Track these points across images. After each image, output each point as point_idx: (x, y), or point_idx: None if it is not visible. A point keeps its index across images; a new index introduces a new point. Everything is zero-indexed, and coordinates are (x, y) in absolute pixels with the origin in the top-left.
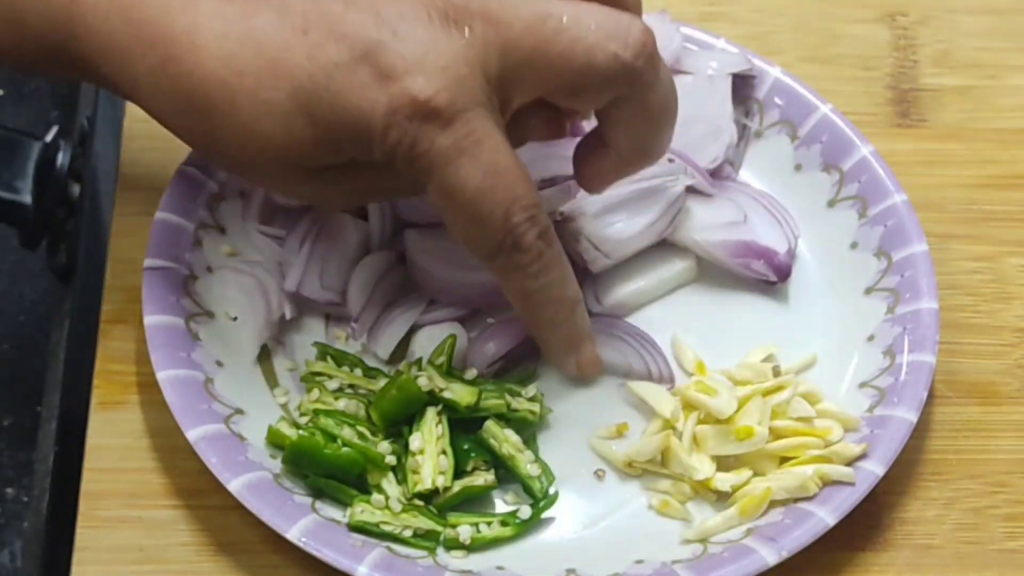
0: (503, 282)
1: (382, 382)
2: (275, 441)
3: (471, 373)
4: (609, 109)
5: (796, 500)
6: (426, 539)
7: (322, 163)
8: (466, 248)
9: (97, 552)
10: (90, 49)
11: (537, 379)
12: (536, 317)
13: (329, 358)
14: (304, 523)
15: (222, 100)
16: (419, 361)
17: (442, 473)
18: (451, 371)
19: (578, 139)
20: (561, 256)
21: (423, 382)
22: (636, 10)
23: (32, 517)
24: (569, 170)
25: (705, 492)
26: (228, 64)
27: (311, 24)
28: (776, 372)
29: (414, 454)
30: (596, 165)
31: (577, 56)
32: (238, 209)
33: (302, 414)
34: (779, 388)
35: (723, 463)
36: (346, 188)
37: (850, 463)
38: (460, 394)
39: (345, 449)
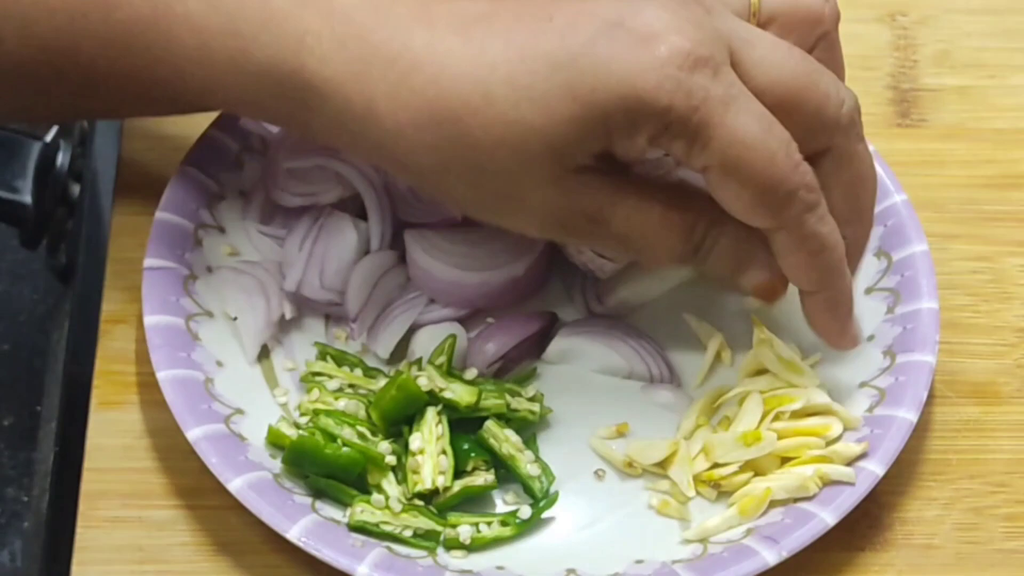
0: (795, 234)
1: (382, 382)
2: (275, 441)
3: (471, 373)
4: (817, 170)
5: (796, 500)
6: (426, 539)
7: (583, 153)
8: (752, 211)
9: (97, 552)
10: (321, 78)
11: (537, 379)
12: (825, 272)
13: (329, 358)
14: (304, 523)
15: (475, 95)
16: (419, 361)
17: (442, 473)
18: (451, 371)
19: None
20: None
21: (423, 382)
22: (841, 69)
23: (32, 517)
24: None
25: (706, 490)
26: (477, 61)
27: (555, 11)
28: None
29: (414, 454)
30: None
31: (812, 99)
32: (238, 209)
33: (302, 414)
34: (788, 399)
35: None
36: (587, 205)
37: (850, 463)
38: (460, 394)
39: (345, 449)
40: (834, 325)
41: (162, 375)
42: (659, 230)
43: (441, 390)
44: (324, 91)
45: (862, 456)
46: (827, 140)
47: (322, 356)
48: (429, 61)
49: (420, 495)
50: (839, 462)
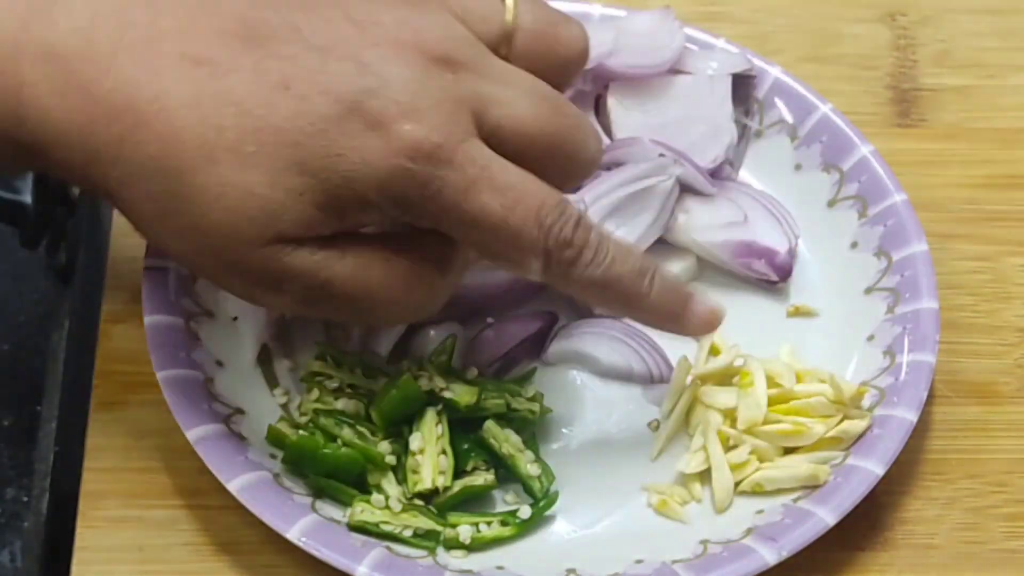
0: (573, 289)
1: (382, 382)
2: (275, 441)
3: (471, 373)
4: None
5: (798, 499)
6: (426, 539)
7: (308, 233)
8: (519, 273)
9: (97, 552)
10: (43, 132)
11: (536, 379)
12: (627, 302)
13: (329, 358)
14: (304, 523)
15: (200, 155)
16: (419, 361)
17: (442, 473)
18: (451, 371)
19: None
20: (609, 235)
21: (423, 382)
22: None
23: (32, 517)
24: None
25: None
26: (205, 121)
27: (291, 79)
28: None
29: (414, 454)
30: None
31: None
32: None
33: (302, 414)
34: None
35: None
36: (305, 272)
37: (855, 440)
38: (460, 394)
39: (345, 449)
40: (671, 327)
41: (162, 375)
42: (384, 283)
43: (441, 390)
44: (46, 143)
45: (867, 430)
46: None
47: (322, 356)
48: (155, 117)
49: (420, 495)
50: (847, 440)
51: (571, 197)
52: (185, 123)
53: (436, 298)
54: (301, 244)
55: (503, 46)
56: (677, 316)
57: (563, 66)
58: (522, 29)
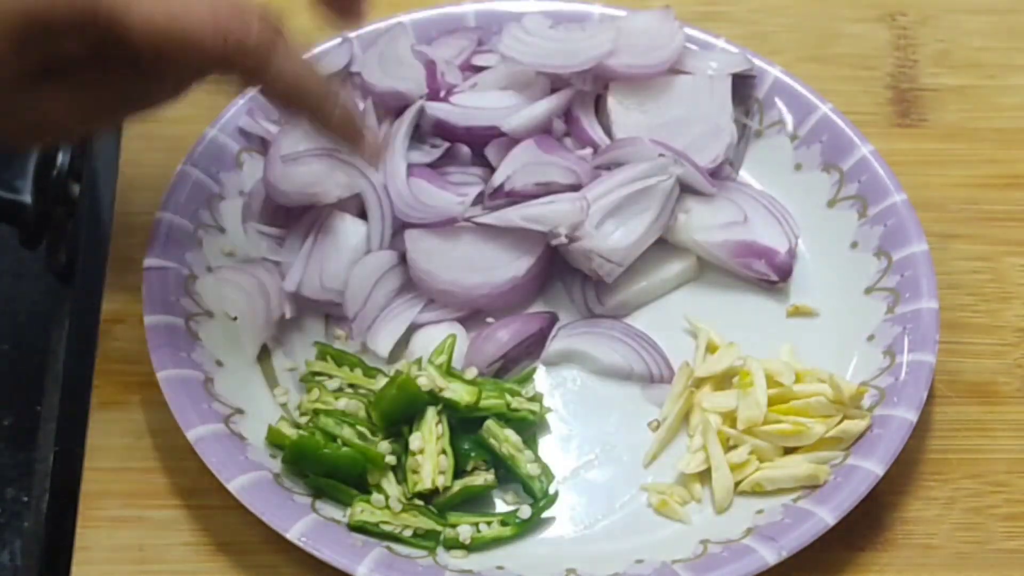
0: (265, 91)
1: (382, 382)
2: (275, 441)
3: (471, 373)
4: None
5: (798, 499)
6: (426, 539)
7: (14, 67)
8: (213, 74)
9: (97, 552)
10: None
11: (535, 379)
12: (310, 103)
13: (329, 358)
14: (304, 523)
15: None
16: (419, 361)
17: (442, 473)
18: (451, 371)
19: (582, 152)
20: (294, 41)
21: (423, 382)
22: None
23: (32, 517)
24: (567, 178)
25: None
26: None
27: None
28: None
29: (414, 454)
30: None
31: None
32: (238, 209)
33: (302, 414)
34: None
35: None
36: (66, 103)
37: (855, 440)
38: (460, 393)
39: (345, 449)
40: (346, 147)
41: (162, 375)
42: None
43: (441, 390)
44: None
45: (867, 431)
46: None
47: (322, 356)
48: None
49: (420, 495)
50: (847, 440)
51: (573, 196)
52: None
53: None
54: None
55: None
56: (351, 140)
57: None
58: None
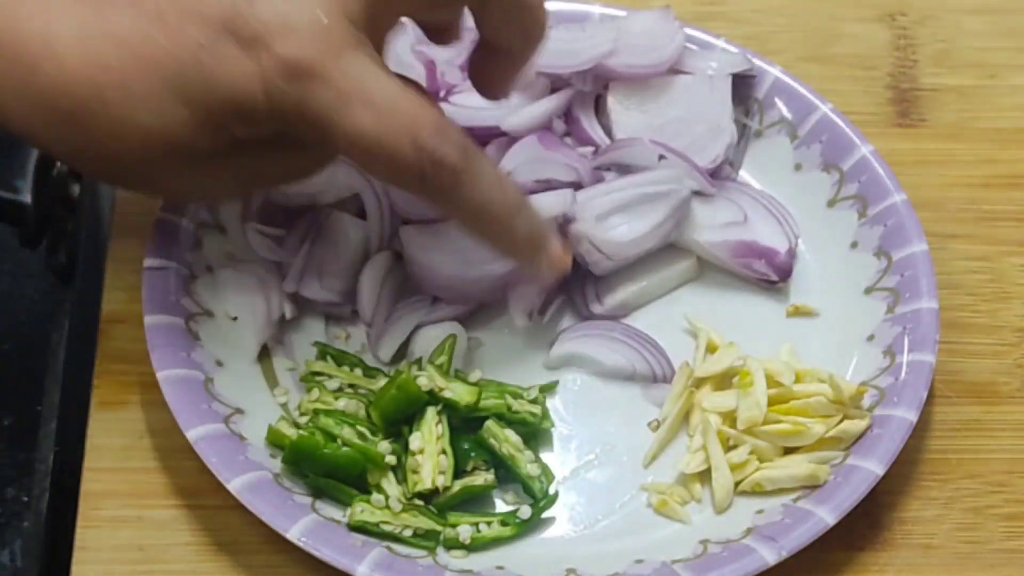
0: (449, 210)
1: (382, 382)
2: (275, 441)
3: (475, 375)
4: (482, 9)
5: (798, 499)
6: (426, 539)
7: (206, 147)
8: (400, 188)
9: (97, 552)
10: None
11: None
12: (494, 230)
13: (329, 358)
14: (304, 523)
15: (91, 98)
16: (419, 361)
17: (442, 473)
18: (456, 371)
19: (583, 149)
20: (489, 161)
21: (423, 382)
22: None
23: (32, 517)
24: (567, 176)
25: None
26: (91, 62)
27: (165, 10)
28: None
29: (414, 454)
30: (491, 70)
31: None
32: (238, 209)
33: (302, 414)
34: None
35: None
36: (235, 174)
37: (855, 440)
38: (460, 393)
39: (345, 449)
40: (527, 268)
41: (162, 375)
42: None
43: (441, 390)
44: None
45: (867, 430)
46: None
47: (322, 356)
48: (45, 59)
49: (420, 495)
50: (847, 440)
51: (561, 190)
52: (73, 65)
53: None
54: (193, 155)
55: None
56: (534, 255)
57: None
58: None
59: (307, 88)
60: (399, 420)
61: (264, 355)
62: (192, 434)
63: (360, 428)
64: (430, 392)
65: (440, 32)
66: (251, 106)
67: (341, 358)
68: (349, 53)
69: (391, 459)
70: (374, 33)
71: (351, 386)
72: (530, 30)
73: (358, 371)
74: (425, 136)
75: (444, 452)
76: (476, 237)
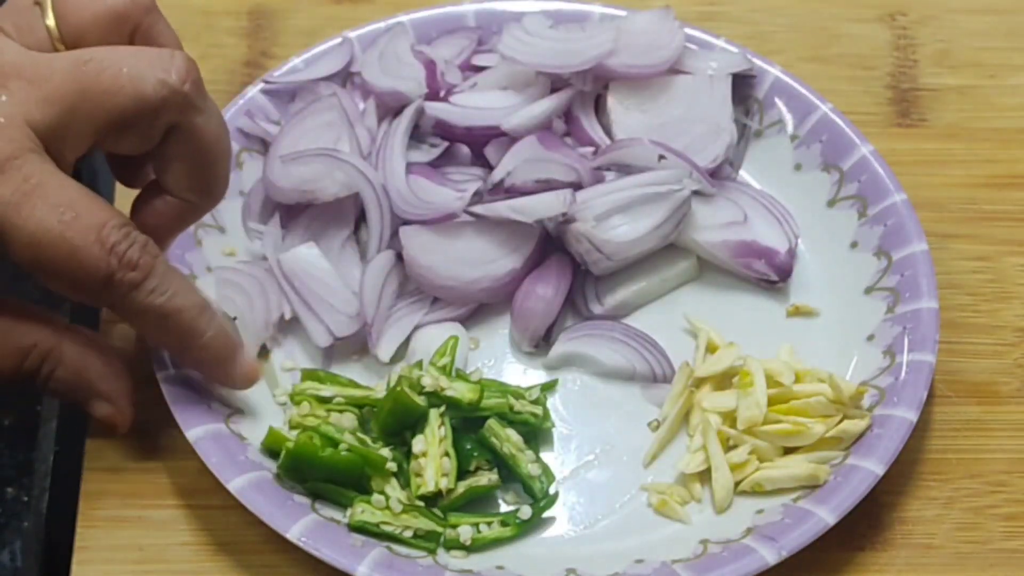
0: (129, 314)
1: (378, 392)
2: (273, 444)
3: (476, 374)
4: (163, 147)
5: (798, 498)
6: (427, 540)
7: None
8: (77, 296)
9: (97, 552)
10: None
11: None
12: (180, 336)
13: (316, 382)
14: (304, 523)
15: None
16: (419, 363)
17: (445, 475)
18: (458, 372)
19: (583, 149)
20: (174, 268)
21: (427, 381)
22: (175, 47)
23: (32, 517)
24: (567, 176)
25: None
26: None
27: None
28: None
29: (417, 456)
30: (157, 214)
31: (124, 88)
32: (238, 209)
33: (291, 428)
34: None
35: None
36: None
37: (855, 440)
38: (462, 392)
39: (345, 452)
40: (217, 373)
41: (162, 375)
42: None
43: (443, 389)
44: None
45: (867, 430)
46: (171, 117)
47: (308, 379)
48: None
49: (424, 498)
50: (847, 440)
51: (560, 190)
52: None
53: (28, 375)
54: None
55: (57, 43)
56: (225, 361)
57: (117, 16)
58: (63, 17)
59: None
60: (399, 430)
61: (264, 355)
62: (192, 434)
63: (360, 436)
64: (433, 393)
65: (131, 171)
66: None
67: (329, 379)
68: (25, 155)
69: (392, 466)
70: (61, 150)
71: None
72: (207, 183)
73: (349, 388)
74: (112, 233)
75: (447, 454)
76: (162, 344)
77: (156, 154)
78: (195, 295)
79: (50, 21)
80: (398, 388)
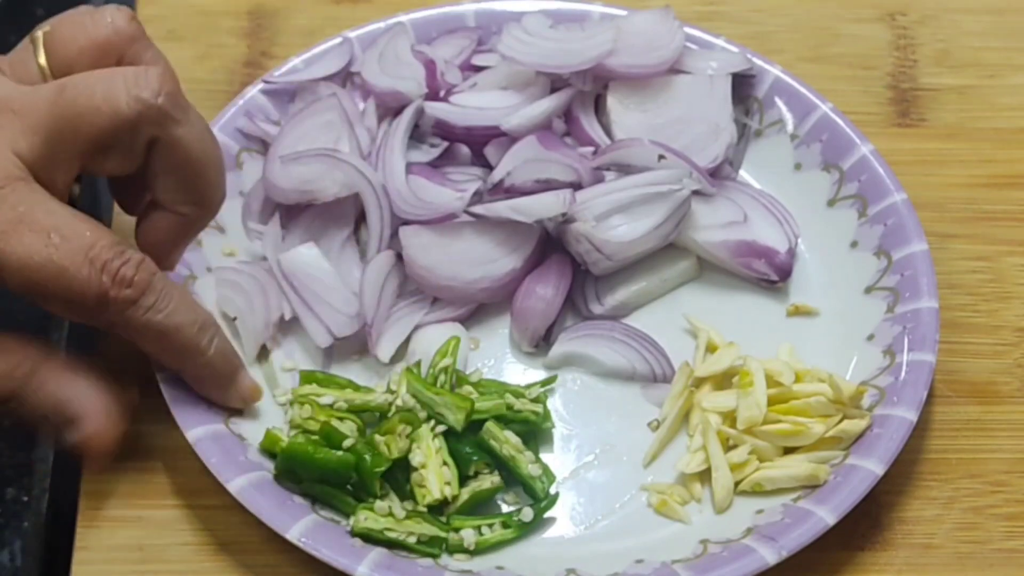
0: (129, 332)
1: (377, 397)
2: (269, 446)
3: (476, 375)
4: (149, 162)
5: (798, 498)
6: (430, 545)
7: None
8: (76, 318)
9: (97, 552)
10: None
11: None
12: (179, 353)
13: (315, 384)
14: (304, 523)
15: None
16: (419, 364)
17: (447, 483)
18: (459, 374)
19: (583, 149)
20: (174, 283)
21: (418, 458)
22: (155, 65)
23: (32, 517)
24: (567, 176)
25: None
26: None
27: None
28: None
29: (417, 468)
30: (157, 230)
31: (99, 108)
32: (238, 209)
33: (292, 427)
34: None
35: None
36: None
37: (855, 440)
38: (449, 412)
39: (338, 452)
40: (217, 392)
41: (162, 375)
42: None
43: (436, 408)
44: None
45: (867, 430)
46: (150, 132)
47: (308, 382)
48: None
49: (431, 507)
50: (847, 440)
51: (559, 190)
52: None
53: (11, 395)
54: None
55: (48, 79)
56: (225, 381)
57: (101, 47)
58: (52, 52)
59: None
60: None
61: (264, 355)
62: (192, 434)
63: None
64: (426, 405)
65: (133, 197)
66: None
67: (328, 381)
68: (14, 183)
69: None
70: (51, 176)
71: (344, 399)
72: (200, 194)
73: (348, 389)
74: (103, 254)
75: (445, 463)
76: (164, 361)
77: (145, 171)
78: (195, 313)
79: (42, 60)
80: (357, 457)
